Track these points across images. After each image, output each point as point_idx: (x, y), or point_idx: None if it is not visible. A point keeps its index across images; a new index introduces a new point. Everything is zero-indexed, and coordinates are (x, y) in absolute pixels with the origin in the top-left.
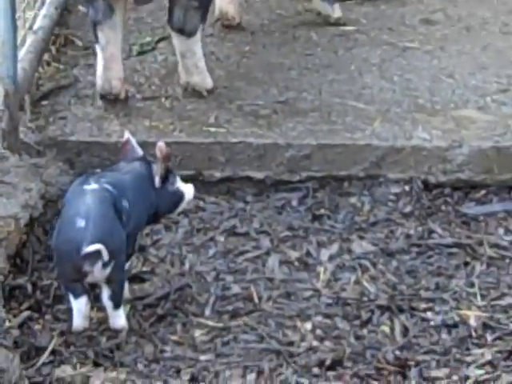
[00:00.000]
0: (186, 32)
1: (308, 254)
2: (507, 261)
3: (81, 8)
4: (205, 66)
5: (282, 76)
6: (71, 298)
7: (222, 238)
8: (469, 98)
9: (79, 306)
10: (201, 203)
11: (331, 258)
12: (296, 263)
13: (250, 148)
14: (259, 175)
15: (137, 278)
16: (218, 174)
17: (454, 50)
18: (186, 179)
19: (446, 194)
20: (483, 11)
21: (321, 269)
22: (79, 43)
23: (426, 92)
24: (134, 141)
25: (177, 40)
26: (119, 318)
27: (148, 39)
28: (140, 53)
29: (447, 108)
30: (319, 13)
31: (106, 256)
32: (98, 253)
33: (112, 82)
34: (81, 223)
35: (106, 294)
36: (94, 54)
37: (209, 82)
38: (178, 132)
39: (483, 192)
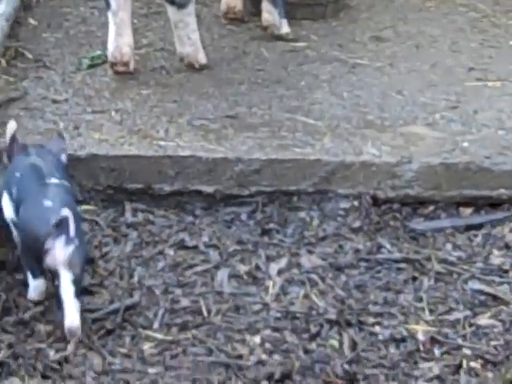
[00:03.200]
0: (176, 3)
1: (257, 267)
2: (455, 276)
3: (31, 21)
4: (199, 39)
5: (232, 91)
6: (30, 277)
7: (171, 252)
8: (418, 115)
9: (36, 284)
10: (150, 216)
11: (280, 272)
12: (245, 277)
13: (200, 162)
14: (209, 189)
15: (85, 291)
16: (167, 188)
17: (404, 67)
18: (135, 193)
19: (394, 209)
20: (432, 29)
21: (270, 283)
22: (30, 56)
23: (375, 108)
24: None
25: (169, 10)
26: (76, 317)
27: (98, 52)
28: (90, 66)
29: (396, 124)
30: (266, 28)
31: (72, 230)
32: (63, 227)
33: (123, 49)
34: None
35: (67, 279)
36: (45, 66)
37: (202, 57)
38: (127, 145)
39: (431, 208)
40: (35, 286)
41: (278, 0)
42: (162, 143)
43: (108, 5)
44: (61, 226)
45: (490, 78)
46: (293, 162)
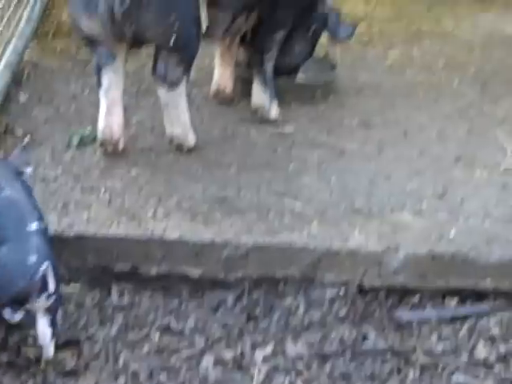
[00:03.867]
0: (167, 83)
1: (242, 354)
2: (440, 369)
3: (22, 96)
4: (189, 120)
5: (220, 173)
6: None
7: (156, 336)
8: (405, 203)
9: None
10: (136, 299)
11: (265, 359)
12: (230, 364)
13: (187, 245)
14: (195, 273)
15: (71, 373)
16: (154, 270)
17: (391, 154)
18: (122, 274)
19: (380, 298)
20: (420, 116)
21: (255, 370)
22: (19, 131)
23: (362, 194)
24: None
25: (160, 90)
26: (51, 349)
27: (88, 130)
28: (80, 144)
29: (383, 212)
30: (255, 110)
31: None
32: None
33: (113, 128)
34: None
35: (44, 322)
36: (34, 143)
37: (191, 138)
38: (115, 226)
39: (417, 297)
40: None
41: (268, 83)
42: (150, 224)
43: (99, 83)
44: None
45: (477, 167)
46: (280, 248)
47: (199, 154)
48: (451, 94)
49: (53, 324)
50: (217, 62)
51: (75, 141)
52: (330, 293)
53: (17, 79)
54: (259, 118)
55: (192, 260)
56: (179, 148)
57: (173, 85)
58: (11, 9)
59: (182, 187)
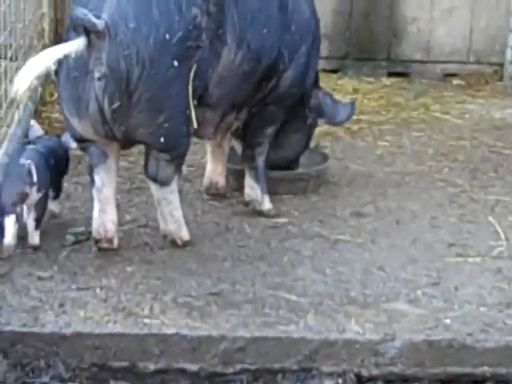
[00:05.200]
0: (158, 181)
1: None
2: None
3: None
4: (181, 216)
5: (215, 267)
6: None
7: None
8: (400, 291)
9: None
10: None
11: None
12: None
13: (184, 340)
14: (193, 367)
15: None
16: (151, 366)
17: (385, 243)
18: (120, 371)
19: None
20: (412, 204)
21: None
22: None
23: (357, 284)
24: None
25: (152, 187)
26: (37, 237)
27: (82, 229)
28: (75, 242)
29: (379, 301)
30: (248, 203)
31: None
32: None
33: (107, 225)
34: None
35: (31, 216)
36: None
37: (185, 234)
38: (112, 323)
39: None
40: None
41: (261, 176)
42: (147, 321)
43: (92, 181)
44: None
45: (470, 254)
46: (277, 340)
47: (193, 248)
48: (442, 182)
49: (37, 219)
50: (208, 157)
51: (70, 240)
52: (328, 383)
53: None
54: (252, 211)
55: (189, 355)
56: (173, 243)
57: (164, 183)
58: (2, 110)
59: (177, 282)
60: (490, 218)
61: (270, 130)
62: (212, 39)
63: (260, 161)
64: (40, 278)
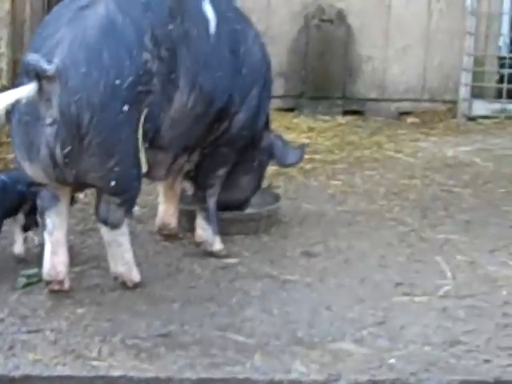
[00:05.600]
0: (109, 224)
1: None
2: None
3: None
4: (132, 258)
5: (164, 308)
6: None
7: None
8: (346, 331)
9: None
10: None
11: None
12: None
13: (131, 382)
14: None
15: None
16: None
17: (333, 283)
18: None
19: None
20: (362, 243)
21: None
22: None
23: (304, 324)
24: None
25: (102, 230)
26: None
27: (35, 270)
28: (26, 284)
29: (325, 341)
30: (199, 244)
31: None
32: None
33: (58, 267)
34: None
35: None
36: None
37: (135, 275)
38: (61, 366)
39: None
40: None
41: (212, 217)
42: (95, 363)
43: (44, 225)
44: None
45: (417, 293)
46: (223, 382)
47: (144, 290)
48: (392, 221)
49: None
50: (160, 198)
51: (22, 282)
52: None
53: None
54: (203, 252)
55: None
56: (124, 285)
57: (115, 225)
58: None
59: (126, 324)
60: (438, 257)
61: (222, 172)
62: (164, 83)
63: (211, 202)
64: None
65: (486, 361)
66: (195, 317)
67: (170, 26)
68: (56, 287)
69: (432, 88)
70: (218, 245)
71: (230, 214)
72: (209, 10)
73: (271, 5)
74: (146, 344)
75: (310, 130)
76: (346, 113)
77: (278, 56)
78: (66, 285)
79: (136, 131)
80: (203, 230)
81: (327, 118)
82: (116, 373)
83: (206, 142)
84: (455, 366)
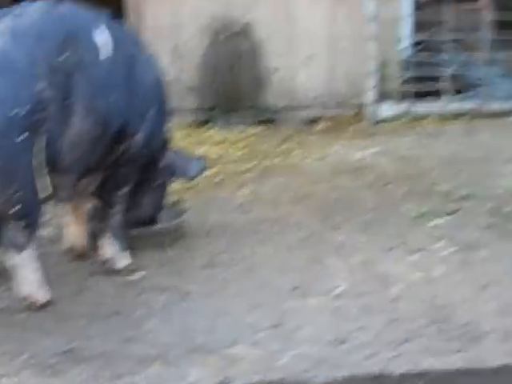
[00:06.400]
0: (14, 248)
1: None
2: None
3: None
4: (40, 279)
5: (71, 325)
6: None
7: None
8: (242, 335)
9: None
10: None
11: None
12: None
13: None
14: None
15: None
16: None
17: (234, 290)
18: None
19: None
20: (266, 249)
21: None
22: None
23: (203, 333)
24: None
25: (8, 254)
26: None
27: None
28: None
29: (221, 346)
30: (105, 261)
31: None
32: None
33: None
34: None
35: None
36: None
37: (43, 296)
38: None
39: None
40: None
41: (117, 235)
42: (4, 380)
43: None
44: None
45: (312, 295)
46: None
47: (52, 309)
48: (295, 226)
49: None
50: (68, 219)
51: None
52: None
53: None
54: (109, 269)
55: None
56: (32, 306)
57: (19, 249)
58: None
59: (33, 343)
60: (336, 259)
61: (125, 190)
62: (60, 109)
63: (116, 220)
64: None
65: (373, 354)
66: (100, 331)
67: (65, 54)
68: None
69: (339, 94)
70: (124, 260)
71: (136, 229)
72: (102, 37)
73: (180, 21)
74: (51, 360)
75: (222, 141)
76: (259, 123)
77: (189, 71)
78: None
79: (34, 157)
80: (109, 247)
81: (240, 129)
82: None
83: (107, 162)
84: (344, 362)
